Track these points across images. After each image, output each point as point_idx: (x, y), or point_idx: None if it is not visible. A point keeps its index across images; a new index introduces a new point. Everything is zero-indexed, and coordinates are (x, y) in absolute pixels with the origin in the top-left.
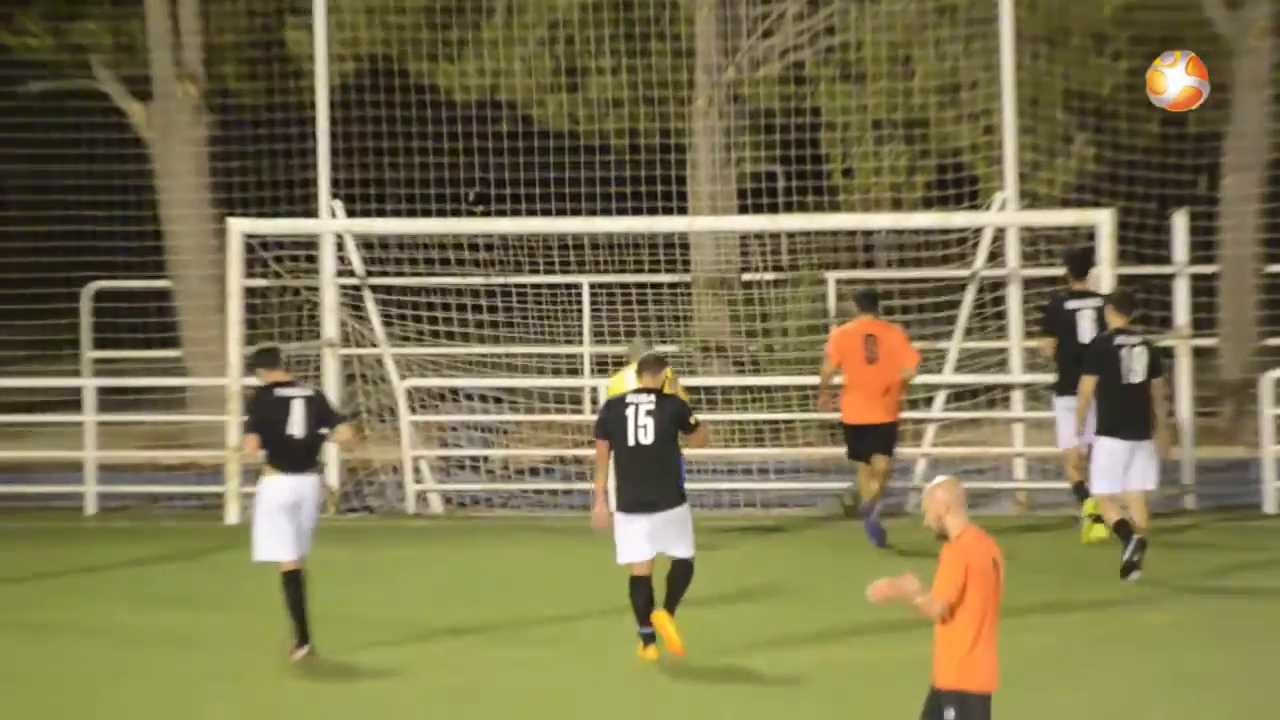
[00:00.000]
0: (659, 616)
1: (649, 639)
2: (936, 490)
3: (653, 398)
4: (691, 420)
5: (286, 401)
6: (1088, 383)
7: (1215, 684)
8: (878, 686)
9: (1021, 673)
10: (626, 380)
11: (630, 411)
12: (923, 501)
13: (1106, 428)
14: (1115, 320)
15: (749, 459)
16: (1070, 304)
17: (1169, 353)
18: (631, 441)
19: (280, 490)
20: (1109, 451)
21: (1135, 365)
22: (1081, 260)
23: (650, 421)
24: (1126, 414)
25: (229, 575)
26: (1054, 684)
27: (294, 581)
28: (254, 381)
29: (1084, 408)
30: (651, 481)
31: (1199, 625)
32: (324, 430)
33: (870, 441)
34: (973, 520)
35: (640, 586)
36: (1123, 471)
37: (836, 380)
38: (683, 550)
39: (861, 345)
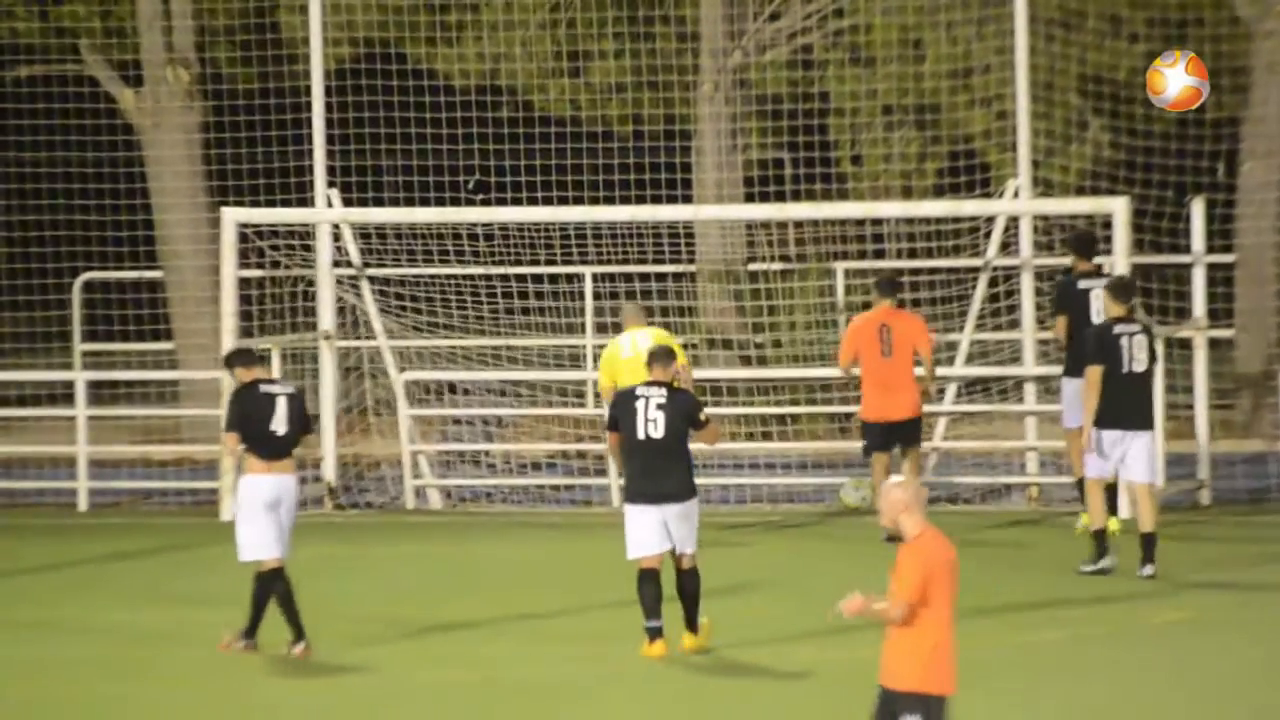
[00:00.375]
0: (688, 642)
1: (655, 634)
2: (894, 490)
3: (664, 391)
4: (702, 417)
5: (272, 398)
6: (1095, 372)
7: (1230, 680)
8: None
9: (1033, 669)
10: (621, 346)
11: (640, 404)
12: (879, 500)
13: (1103, 417)
14: (1113, 309)
15: (754, 453)
16: (1082, 284)
17: (1186, 344)
18: (641, 435)
19: (261, 489)
20: (1102, 440)
21: (1137, 354)
22: (1088, 241)
23: (661, 415)
24: (1125, 403)
25: (223, 571)
26: (1066, 680)
27: (276, 579)
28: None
29: (1094, 399)
30: (661, 474)
31: (1214, 621)
32: (304, 430)
33: (892, 437)
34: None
35: (649, 579)
36: (1115, 460)
37: (855, 371)
38: (686, 546)
39: (876, 337)
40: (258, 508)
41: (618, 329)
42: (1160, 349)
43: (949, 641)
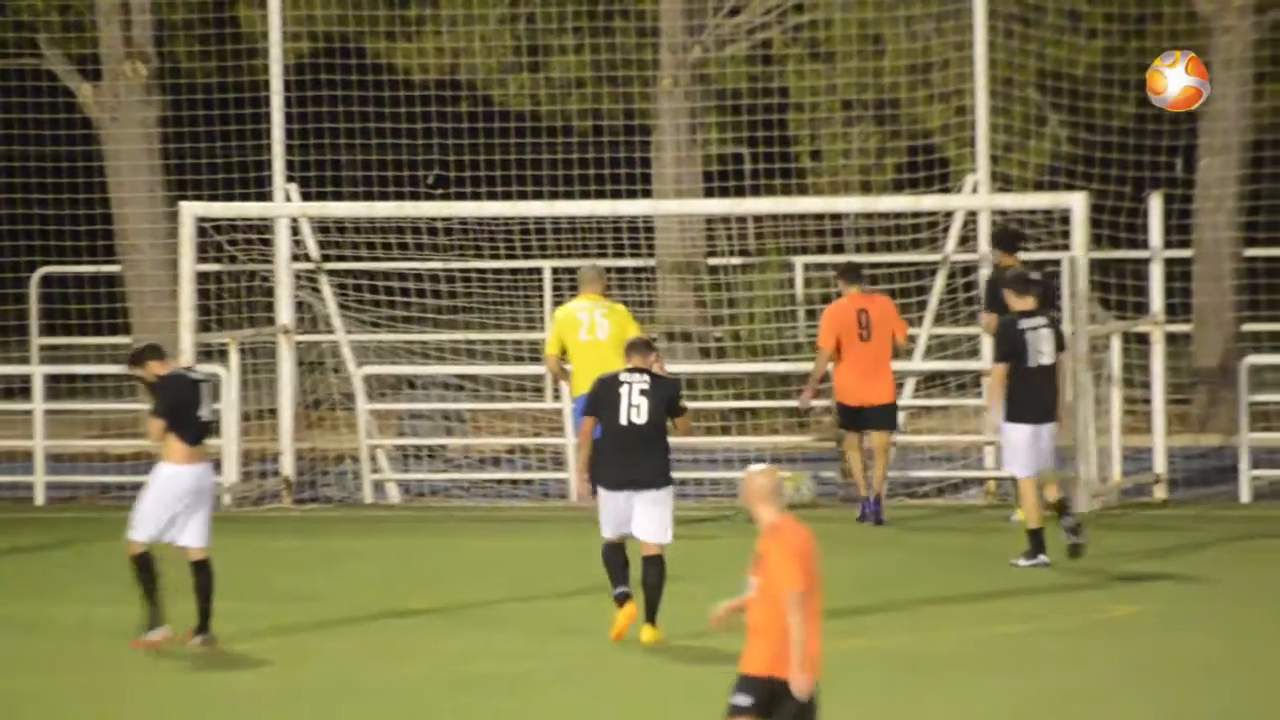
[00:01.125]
0: (645, 633)
1: (624, 599)
2: (756, 478)
3: (647, 378)
4: (680, 405)
5: (197, 384)
6: (1000, 370)
7: (1187, 674)
8: (844, 675)
9: (985, 663)
10: (579, 321)
11: (624, 390)
12: (741, 487)
13: (1018, 413)
14: (1016, 303)
15: (713, 447)
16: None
17: (1144, 339)
18: (624, 421)
19: (183, 480)
20: (1023, 436)
21: (1043, 347)
22: (1012, 238)
23: (644, 401)
24: (1036, 397)
25: (179, 567)
26: (1018, 674)
27: (145, 564)
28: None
29: (998, 395)
30: (640, 460)
31: (1171, 615)
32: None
33: (867, 419)
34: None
35: (615, 549)
36: (1040, 455)
37: (828, 366)
38: (661, 535)
39: (855, 322)
40: (168, 498)
41: None
42: (1118, 343)
43: (815, 627)
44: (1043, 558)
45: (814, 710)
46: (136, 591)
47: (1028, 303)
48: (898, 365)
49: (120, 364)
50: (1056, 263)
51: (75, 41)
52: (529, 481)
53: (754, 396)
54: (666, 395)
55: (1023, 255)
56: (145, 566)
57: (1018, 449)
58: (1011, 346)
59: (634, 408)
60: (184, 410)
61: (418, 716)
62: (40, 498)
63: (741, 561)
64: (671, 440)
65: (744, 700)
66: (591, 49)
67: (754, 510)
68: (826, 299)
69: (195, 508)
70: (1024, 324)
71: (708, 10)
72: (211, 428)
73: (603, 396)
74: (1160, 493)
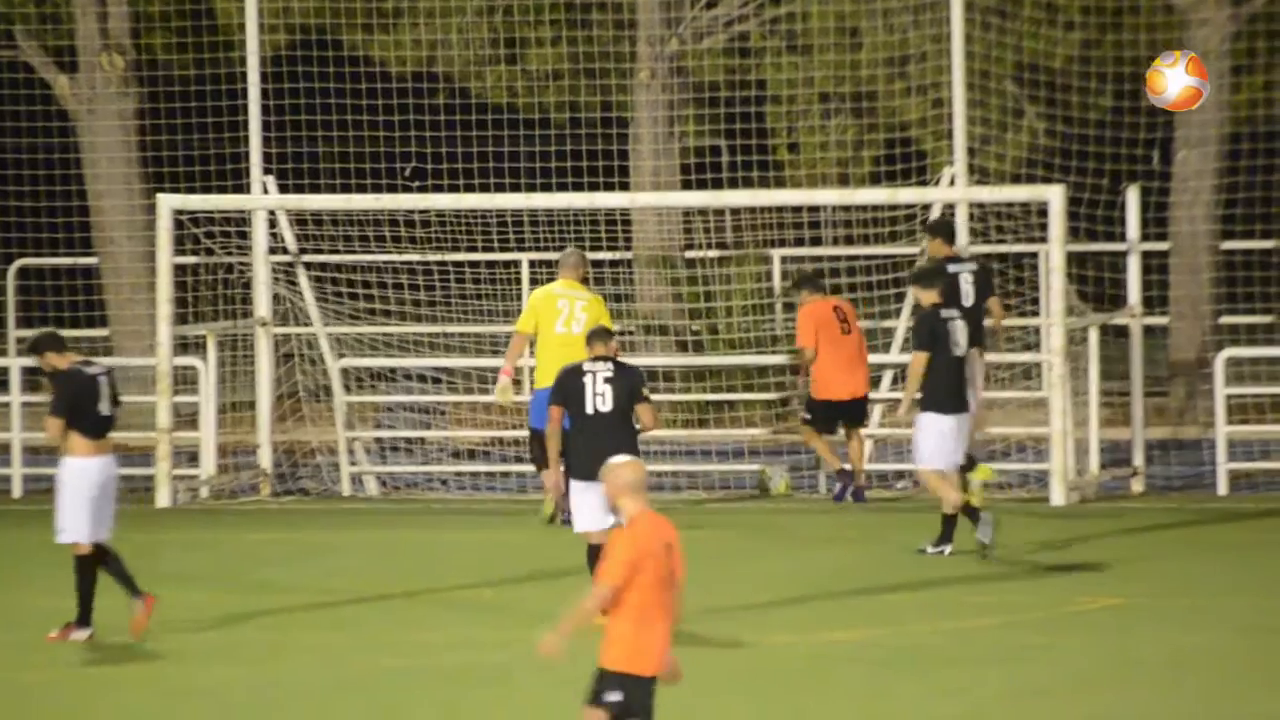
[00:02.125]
0: None
1: None
2: (622, 469)
3: (610, 365)
4: (644, 392)
5: (95, 379)
6: (921, 359)
7: (1163, 667)
8: (822, 667)
9: (961, 656)
10: (559, 310)
11: (588, 380)
12: (605, 478)
13: (936, 404)
14: (925, 297)
15: (690, 440)
16: (952, 267)
17: (1121, 331)
18: (590, 409)
19: (90, 472)
20: (941, 428)
21: (959, 339)
22: (950, 227)
23: (608, 389)
24: (955, 388)
25: (156, 559)
26: (993, 667)
27: (95, 562)
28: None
29: (916, 386)
30: (608, 449)
31: (1147, 608)
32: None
33: (844, 415)
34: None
35: (597, 552)
36: (957, 445)
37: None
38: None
39: (834, 317)
40: (84, 492)
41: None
42: (1095, 336)
43: (661, 623)
44: (947, 548)
45: (648, 708)
46: (111, 583)
47: (933, 296)
48: (875, 358)
49: (96, 356)
50: (1034, 255)
51: (51, 33)
52: (506, 474)
53: (731, 389)
54: (631, 383)
55: (1002, 248)
56: (88, 567)
57: (933, 442)
58: (935, 336)
59: (598, 396)
60: (82, 406)
61: (400, 708)
62: (17, 490)
63: (720, 552)
64: (645, 435)
65: (615, 696)
66: (569, 41)
67: (616, 502)
68: None
69: (104, 502)
70: (945, 314)
71: (685, 3)
72: (114, 422)
73: (567, 387)
74: (1138, 485)
